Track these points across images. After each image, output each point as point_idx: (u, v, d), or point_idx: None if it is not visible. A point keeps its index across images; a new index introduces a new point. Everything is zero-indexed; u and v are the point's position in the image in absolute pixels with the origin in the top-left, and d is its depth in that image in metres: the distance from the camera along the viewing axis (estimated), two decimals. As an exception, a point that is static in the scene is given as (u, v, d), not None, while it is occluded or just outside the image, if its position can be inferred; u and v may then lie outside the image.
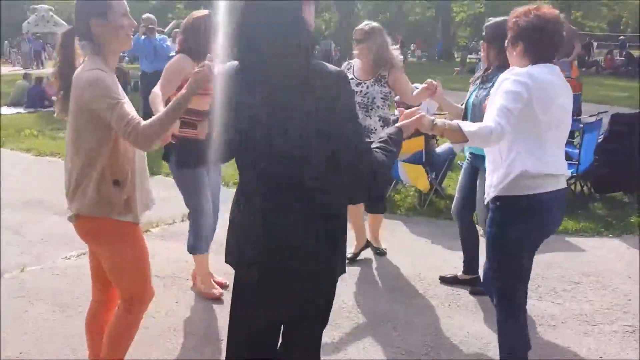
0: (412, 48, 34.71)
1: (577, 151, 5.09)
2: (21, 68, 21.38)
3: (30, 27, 26.73)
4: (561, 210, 2.45)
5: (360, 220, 3.99)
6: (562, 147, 2.41)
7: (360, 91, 3.69)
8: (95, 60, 2.07)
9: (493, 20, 3.23)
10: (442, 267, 3.87)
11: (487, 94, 2.74)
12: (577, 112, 6.88)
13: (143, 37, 8.08)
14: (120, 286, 2.26)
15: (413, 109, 2.10)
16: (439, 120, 2.17)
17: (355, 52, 3.82)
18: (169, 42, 8.42)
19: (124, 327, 2.29)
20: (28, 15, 27.87)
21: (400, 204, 5.35)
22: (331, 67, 1.71)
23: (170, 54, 7.28)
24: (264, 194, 1.73)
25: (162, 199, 5.63)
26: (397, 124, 2.02)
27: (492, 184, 2.38)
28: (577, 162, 4.97)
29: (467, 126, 2.17)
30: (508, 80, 2.24)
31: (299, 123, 1.65)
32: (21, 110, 11.73)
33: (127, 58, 21.62)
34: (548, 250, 4.15)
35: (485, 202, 2.49)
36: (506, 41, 2.42)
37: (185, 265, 3.80)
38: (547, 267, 3.91)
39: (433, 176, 5.18)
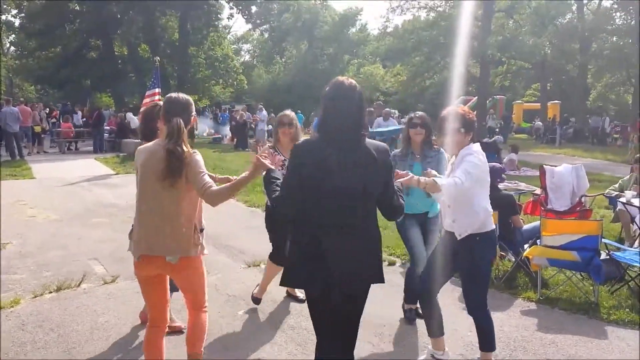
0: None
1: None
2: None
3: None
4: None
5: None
6: None
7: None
8: None
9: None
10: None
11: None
12: None
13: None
14: None
15: (404, 172, 2.98)
16: (421, 178, 3.02)
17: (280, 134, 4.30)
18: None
19: None
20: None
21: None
22: (379, 143, 2.58)
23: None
24: (326, 227, 2.45)
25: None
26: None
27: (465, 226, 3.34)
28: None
29: (440, 181, 3.08)
30: (471, 155, 3.27)
31: (363, 173, 2.44)
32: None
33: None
34: (567, 332, 4.09)
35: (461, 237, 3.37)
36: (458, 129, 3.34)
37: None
38: (545, 345, 3.92)
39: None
